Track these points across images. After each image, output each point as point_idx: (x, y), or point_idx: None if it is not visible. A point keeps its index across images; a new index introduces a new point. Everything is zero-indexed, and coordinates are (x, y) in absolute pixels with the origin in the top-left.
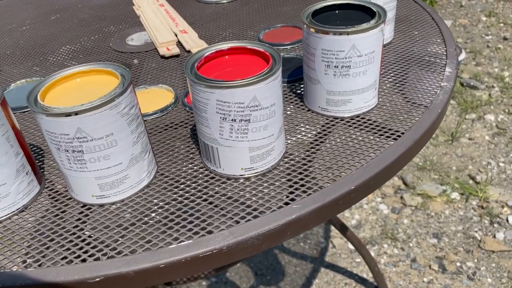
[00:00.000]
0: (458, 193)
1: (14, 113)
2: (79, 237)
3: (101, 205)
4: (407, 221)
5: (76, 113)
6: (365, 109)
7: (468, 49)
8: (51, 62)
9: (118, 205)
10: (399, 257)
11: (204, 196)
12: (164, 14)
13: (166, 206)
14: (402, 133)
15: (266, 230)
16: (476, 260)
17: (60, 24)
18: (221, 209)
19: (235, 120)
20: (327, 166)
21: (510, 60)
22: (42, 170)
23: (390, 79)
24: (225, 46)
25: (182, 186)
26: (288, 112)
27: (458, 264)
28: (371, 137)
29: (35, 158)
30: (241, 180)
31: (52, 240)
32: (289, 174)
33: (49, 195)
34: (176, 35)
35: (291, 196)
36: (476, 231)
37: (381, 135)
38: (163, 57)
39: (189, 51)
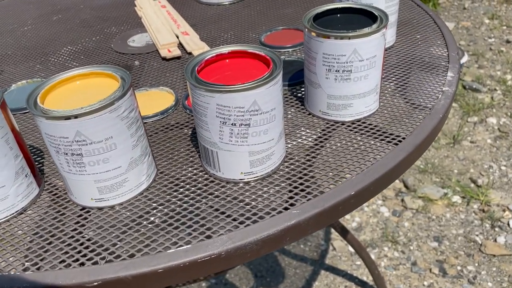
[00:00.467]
0: (460, 197)
1: (15, 114)
2: (77, 240)
3: (100, 208)
4: (408, 224)
5: (76, 116)
6: (366, 114)
7: (471, 52)
8: (53, 63)
9: (117, 209)
10: (399, 260)
11: (204, 200)
12: (165, 16)
13: (165, 210)
14: (403, 138)
15: (265, 235)
16: (476, 264)
17: (62, 25)
18: (220, 213)
19: (235, 124)
20: (327, 171)
21: None
22: (42, 172)
23: (391, 83)
24: (225, 49)
25: (181, 189)
26: (289, 116)
27: (459, 268)
28: (372, 142)
29: (35, 160)
30: (241, 184)
31: (50, 243)
32: (289, 178)
33: (48, 197)
34: (177, 37)
35: (291, 201)
36: (477, 235)
37: (382, 139)
38: (164, 58)
39: (190, 53)
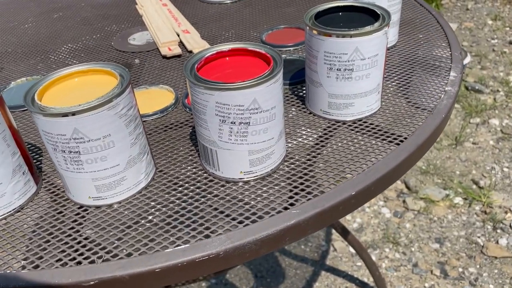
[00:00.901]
0: (461, 198)
1: (13, 112)
2: (74, 239)
3: (98, 207)
4: (409, 225)
5: (73, 114)
6: (367, 113)
7: (474, 53)
8: (53, 61)
9: (115, 207)
10: (400, 261)
11: (203, 199)
12: (166, 14)
13: (164, 208)
14: (405, 138)
15: (264, 235)
16: (478, 266)
17: (63, 22)
18: (219, 213)
19: (234, 122)
20: (328, 170)
21: None
22: (40, 170)
23: (393, 83)
24: (226, 47)
25: (180, 188)
26: (289, 115)
27: (460, 269)
28: (373, 142)
29: (33, 157)
30: (240, 184)
31: (47, 241)
32: (289, 178)
33: (46, 195)
34: (178, 35)
35: (291, 200)
36: (479, 237)
37: (383, 139)
38: (164, 57)
39: (191, 52)
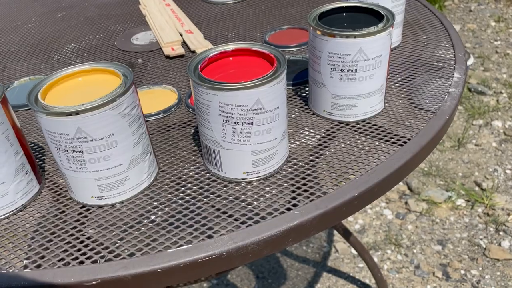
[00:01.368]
0: (464, 200)
1: (17, 111)
2: (77, 238)
3: (101, 206)
4: (411, 227)
5: (77, 113)
6: (371, 114)
7: (477, 54)
8: (56, 60)
9: (117, 207)
10: (402, 263)
11: (205, 199)
12: (170, 14)
13: (166, 209)
14: (408, 139)
15: (267, 236)
16: (480, 268)
17: (66, 22)
18: (222, 213)
19: (237, 123)
20: (331, 171)
21: None
22: (43, 169)
23: (397, 84)
24: (229, 47)
25: (183, 188)
26: (293, 116)
27: (462, 271)
28: (377, 143)
29: (36, 157)
30: (243, 184)
31: (50, 241)
32: (292, 178)
33: (49, 195)
34: (181, 35)
35: (294, 201)
36: (481, 239)
37: (386, 140)
38: (167, 57)
39: (194, 52)
